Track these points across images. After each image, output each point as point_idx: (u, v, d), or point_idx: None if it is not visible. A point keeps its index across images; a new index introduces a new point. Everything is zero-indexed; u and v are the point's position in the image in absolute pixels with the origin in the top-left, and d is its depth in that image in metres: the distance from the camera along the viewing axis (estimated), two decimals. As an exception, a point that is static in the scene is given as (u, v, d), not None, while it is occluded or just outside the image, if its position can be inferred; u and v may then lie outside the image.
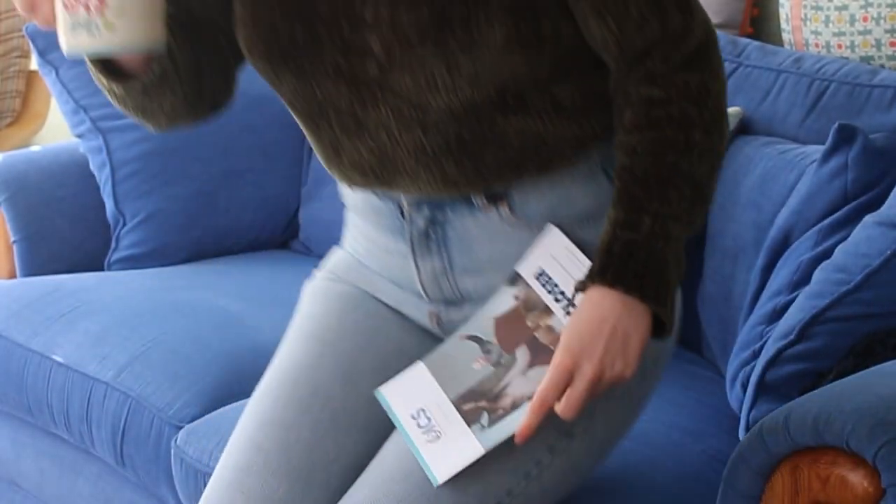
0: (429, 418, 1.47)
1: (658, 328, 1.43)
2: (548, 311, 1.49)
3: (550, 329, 1.48)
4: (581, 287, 1.43)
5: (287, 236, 2.79)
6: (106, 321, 2.29)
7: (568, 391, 1.39)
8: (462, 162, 1.46)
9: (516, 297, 1.52)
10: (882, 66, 2.19)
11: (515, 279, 1.53)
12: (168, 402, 2.11)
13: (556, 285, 1.49)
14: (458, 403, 1.49)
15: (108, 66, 1.44)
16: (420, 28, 1.37)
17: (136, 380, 2.16)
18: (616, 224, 1.41)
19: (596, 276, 1.41)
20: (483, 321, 1.54)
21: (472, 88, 1.39)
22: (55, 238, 2.63)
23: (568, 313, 1.46)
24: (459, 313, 1.57)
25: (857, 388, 1.49)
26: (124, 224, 2.62)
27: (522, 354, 1.49)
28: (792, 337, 1.68)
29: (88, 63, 1.45)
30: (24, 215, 2.61)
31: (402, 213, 1.54)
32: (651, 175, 1.40)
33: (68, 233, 2.64)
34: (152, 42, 1.34)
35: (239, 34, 1.48)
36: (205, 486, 1.95)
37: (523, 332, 1.50)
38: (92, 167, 2.66)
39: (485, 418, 1.47)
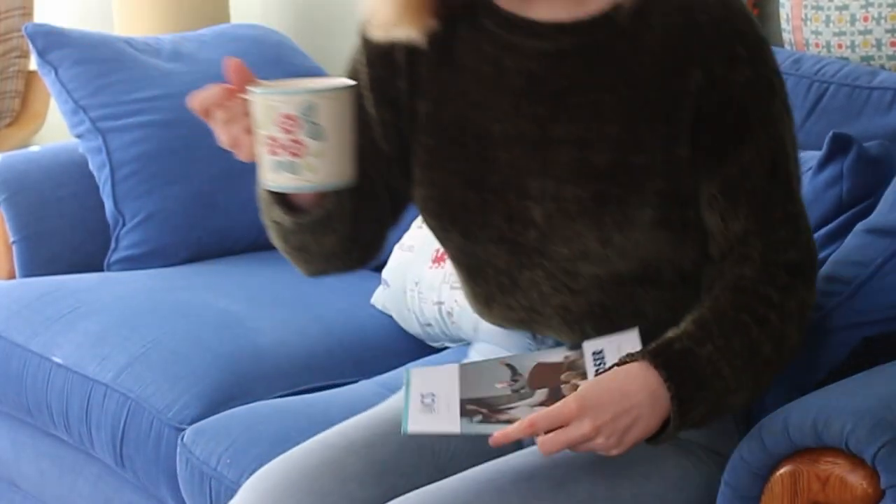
0: (433, 401, 1.50)
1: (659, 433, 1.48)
2: (584, 376, 1.53)
3: (576, 387, 1.50)
4: (628, 359, 1.48)
5: (287, 236, 2.78)
6: (105, 322, 2.29)
7: (558, 432, 1.42)
8: (601, 327, 1.57)
9: (566, 357, 1.58)
10: (882, 66, 2.19)
11: (576, 347, 1.59)
12: (168, 404, 2.11)
13: (605, 364, 1.53)
14: (463, 402, 1.51)
15: (285, 201, 1.53)
16: (580, 204, 1.50)
17: (136, 381, 2.16)
18: (685, 333, 1.48)
19: (647, 354, 1.46)
20: (527, 360, 1.59)
21: (621, 261, 1.52)
22: (54, 238, 2.63)
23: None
24: None
25: (856, 389, 1.49)
26: (124, 224, 2.62)
27: (541, 394, 1.52)
28: None
29: (264, 197, 1.54)
30: (23, 215, 2.61)
31: (534, 338, 1.66)
32: (726, 321, 1.48)
33: (68, 233, 2.64)
34: (346, 179, 1.44)
35: (416, 193, 1.61)
36: (210, 488, 1.96)
37: (553, 380, 1.54)
38: (91, 167, 2.65)
39: (477, 418, 1.49)
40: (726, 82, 1.47)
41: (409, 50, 1.58)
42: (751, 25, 1.50)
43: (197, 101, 1.46)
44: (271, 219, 1.57)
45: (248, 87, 1.42)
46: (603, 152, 1.50)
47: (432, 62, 1.58)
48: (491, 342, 1.72)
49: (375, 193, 1.62)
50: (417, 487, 1.53)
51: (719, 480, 1.55)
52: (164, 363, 2.17)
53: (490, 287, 1.62)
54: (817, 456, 1.43)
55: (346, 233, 1.58)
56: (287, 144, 1.39)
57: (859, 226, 1.69)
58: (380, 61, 1.60)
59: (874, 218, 1.66)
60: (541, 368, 1.56)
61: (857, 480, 1.40)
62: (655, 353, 1.46)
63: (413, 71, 1.59)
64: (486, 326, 1.72)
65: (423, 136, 1.59)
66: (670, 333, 1.49)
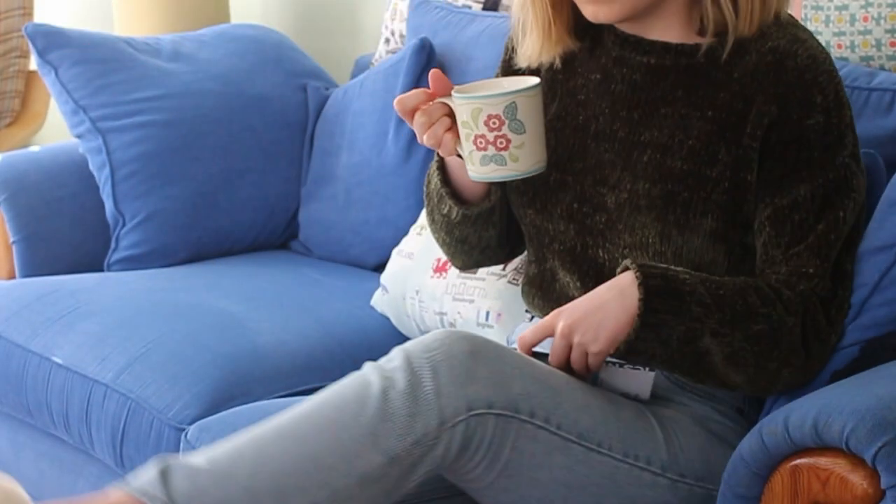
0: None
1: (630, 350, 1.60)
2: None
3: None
4: (623, 268, 1.61)
5: (287, 237, 2.79)
6: (106, 322, 2.29)
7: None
8: None
9: None
10: (882, 67, 2.19)
11: None
12: (168, 404, 2.11)
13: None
14: None
15: (455, 195, 1.74)
16: (651, 199, 1.65)
17: (136, 381, 2.16)
18: (680, 271, 1.61)
19: (631, 262, 1.60)
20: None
21: (675, 261, 1.65)
22: (55, 238, 2.63)
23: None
24: None
25: (856, 390, 1.49)
26: (124, 224, 2.62)
27: None
28: None
29: (435, 192, 1.76)
30: (23, 216, 2.61)
31: None
32: (728, 281, 1.61)
33: (68, 233, 2.64)
34: (542, 164, 1.63)
35: None
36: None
37: None
38: (91, 167, 2.66)
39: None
40: (798, 123, 1.62)
41: None
42: (832, 80, 1.64)
43: (400, 102, 1.65)
44: (441, 213, 1.77)
45: (453, 93, 1.60)
46: (680, 160, 1.65)
47: (557, 68, 1.77)
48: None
49: None
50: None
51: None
52: (164, 363, 2.17)
53: (554, 262, 1.76)
54: (817, 456, 1.44)
55: (503, 228, 1.79)
56: (493, 140, 1.59)
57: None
58: (512, 71, 1.81)
59: (867, 239, 1.68)
60: None
61: (857, 480, 1.40)
62: (638, 263, 1.60)
63: (539, 73, 1.76)
64: (520, 328, 1.83)
65: None
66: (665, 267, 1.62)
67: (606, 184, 1.69)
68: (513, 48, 1.79)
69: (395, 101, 1.65)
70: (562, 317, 1.60)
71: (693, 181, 1.64)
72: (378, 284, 2.38)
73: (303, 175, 2.76)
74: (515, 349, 1.63)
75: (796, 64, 1.63)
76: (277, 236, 2.78)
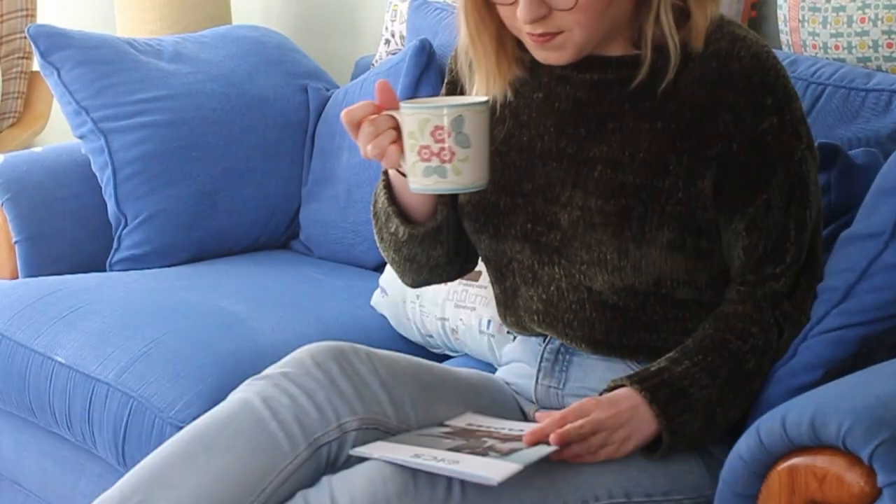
0: (434, 457, 1.55)
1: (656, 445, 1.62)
2: (491, 433, 1.64)
3: (508, 434, 1.62)
4: (613, 385, 1.62)
5: (288, 237, 2.79)
6: (107, 321, 2.30)
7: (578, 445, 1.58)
8: (611, 331, 1.69)
9: (452, 428, 1.68)
10: (879, 68, 2.19)
11: (443, 425, 1.69)
12: (170, 403, 2.11)
13: (488, 427, 1.66)
14: (452, 450, 1.57)
15: (402, 214, 1.74)
16: (605, 216, 1.64)
17: (138, 380, 2.17)
18: (664, 359, 1.64)
19: (626, 378, 1.61)
20: (433, 431, 1.66)
21: (635, 275, 1.65)
22: (57, 238, 2.64)
23: (513, 431, 1.63)
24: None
25: (853, 388, 1.49)
26: (126, 224, 2.63)
27: (490, 439, 1.61)
28: (786, 355, 1.69)
29: (383, 211, 1.75)
30: (26, 216, 2.62)
31: (544, 338, 1.78)
32: (706, 339, 1.64)
33: (70, 233, 2.65)
34: (484, 181, 1.62)
35: (460, 198, 1.76)
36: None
37: (480, 435, 1.64)
38: (94, 168, 2.66)
39: (493, 455, 1.55)
40: (753, 128, 1.61)
41: None
42: (779, 77, 1.63)
43: (347, 114, 1.63)
44: (388, 231, 1.76)
45: (402, 104, 1.61)
46: (631, 173, 1.64)
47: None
48: (511, 360, 1.84)
49: None
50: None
51: (710, 478, 1.60)
52: (165, 362, 2.17)
53: (515, 279, 1.75)
54: (814, 454, 1.44)
55: (451, 246, 1.78)
56: (438, 151, 1.59)
57: (843, 234, 1.70)
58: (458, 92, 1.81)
59: (855, 225, 1.68)
60: (452, 433, 1.65)
61: (854, 479, 1.41)
62: (633, 377, 1.61)
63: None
64: (507, 349, 1.87)
65: None
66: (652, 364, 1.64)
67: (558, 202, 1.68)
68: (456, 71, 1.77)
69: (342, 113, 1.64)
70: (595, 419, 1.59)
71: (646, 194, 1.63)
72: (378, 284, 2.38)
73: (303, 175, 2.77)
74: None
75: (741, 67, 1.61)
76: (278, 236, 2.78)
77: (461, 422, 1.69)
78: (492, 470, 1.49)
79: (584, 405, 1.59)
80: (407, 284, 1.86)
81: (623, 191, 1.64)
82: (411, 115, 1.60)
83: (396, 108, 1.61)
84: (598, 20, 1.59)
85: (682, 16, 1.63)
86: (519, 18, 1.59)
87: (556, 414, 1.59)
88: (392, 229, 1.75)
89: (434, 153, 1.59)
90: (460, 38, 1.70)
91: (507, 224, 1.72)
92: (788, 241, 1.64)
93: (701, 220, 1.64)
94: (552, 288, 1.71)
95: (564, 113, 1.70)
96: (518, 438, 1.59)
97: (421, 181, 1.61)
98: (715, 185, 1.63)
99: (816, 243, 1.69)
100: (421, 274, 1.82)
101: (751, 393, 1.64)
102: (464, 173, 1.60)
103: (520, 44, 1.68)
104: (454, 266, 1.83)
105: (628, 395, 1.60)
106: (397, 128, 1.62)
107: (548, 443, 1.56)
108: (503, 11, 1.63)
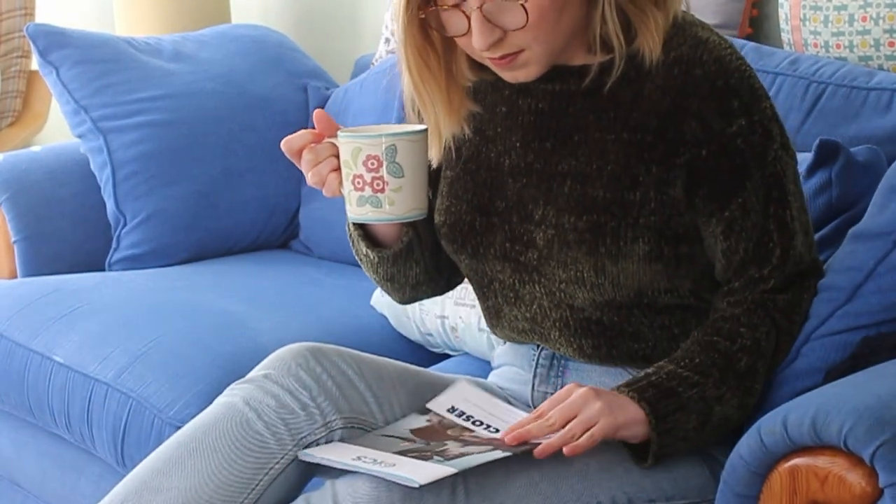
0: (374, 459, 1.54)
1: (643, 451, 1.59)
2: (466, 429, 1.61)
3: (476, 435, 1.59)
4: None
5: (287, 236, 2.79)
6: (107, 321, 2.30)
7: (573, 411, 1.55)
8: (599, 345, 1.68)
9: (429, 420, 1.65)
10: (881, 67, 2.19)
11: (425, 411, 1.67)
12: (169, 403, 2.11)
13: (470, 416, 1.64)
14: (398, 453, 1.56)
15: (369, 237, 1.73)
16: (578, 233, 1.62)
17: (137, 380, 2.17)
18: (651, 367, 1.62)
19: (617, 388, 1.58)
20: (399, 430, 1.64)
21: (615, 289, 1.63)
22: (56, 238, 2.63)
23: (490, 430, 1.60)
24: None
25: (854, 388, 1.49)
26: (125, 224, 2.63)
27: (452, 442, 1.59)
28: (788, 357, 1.69)
29: (352, 234, 1.75)
30: (24, 215, 2.61)
31: (537, 344, 1.76)
32: (693, 344, 1.62)
33: (69, 233, 2.65)
34: (419, 212, 1.61)
35: (436, 218, 1.75)
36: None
37: (445, 436, 1.61)
38: (93, 167, 2.66)
39: (436, 459, 1.53)
40: (722, 133, 1.58)
41: None
42: (743, 78, 1.60)
43: (287, 143, 1.64)
44: (361, 253, 1.76)
45: (338, 132, 1.60)
46: (601, 188, 1.62)
47: None
48: (504, 364, 1.82)
49: None
50: None
51: (713, 481, 1.58)
52: (164, 362, 2.17)
53: (497, 299, 1.73)
54: (816, 454, 1.43)
55: (429, 263, 1.77)
56: (370, 181, 1.58)
57: (850, 232, 1.69)
58: None
59: (864, 223, 1.67)
60: (420, 433, 1.63)
61: (855, 479, 1.40)
62: (620, 385, 1.59)
63: None
64: (499, 351, 1.85)
65: (447, 170, 1.74)
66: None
67: (532, 220, 1.66)
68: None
69: (283, 143, 1.64)
70: (600, 399, 1.55)
71: (618, 209, 1.60)
72: (378, 284, 2.38)
73: (303, 175, 2.76)
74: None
75: (704, 72, 1.58)
76: (278, 236, 2.78)
77: (443, 406, 1.67)
78: (421, 473, 1.48)
79: (562, 392, 1.57)
80: (397, 302, 1.85)
81: (594, 206, 1.61)
82: (345, 143, 1.59)
83: (335, 135, 1.61)
84: (552, 32, 1.57)
85: (642, 16, 1.59)
86: (475, 47, 1.57)
87: (535, 411, 1.57)
88: (363, 252, 1.75)
89: (367, 182, 1.58)
90: (405, 86, 1.66)
91: (485, 244, 1.70)
92: (771, 242, 1.61)
93: (678, 226, 1.61)
94: (535, 306, 1.69)
95: (529, 126, 1.67)
96: (489, 441, 1.57)
97: (356, 210, 1.60)
98: (687, 191, 1.60)
99: (807, 241, 1.66)
100: (405, 291, 1.80)
101: (748, 392, 1.61)
102: (397, 203, 1.58)
103: (473, 67, 1.66)
104: (437, 283, 1.81)
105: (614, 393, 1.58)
106: (338, 156, 1.61)
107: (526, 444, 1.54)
108: (462, 42, 1.60)
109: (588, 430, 1.53)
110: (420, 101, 1.65)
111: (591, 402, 1.54)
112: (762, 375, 1.62)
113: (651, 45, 1.58)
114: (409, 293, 1.81)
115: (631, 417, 1.55)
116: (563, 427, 1.53)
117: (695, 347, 1.61)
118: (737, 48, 1.63)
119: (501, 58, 1.58)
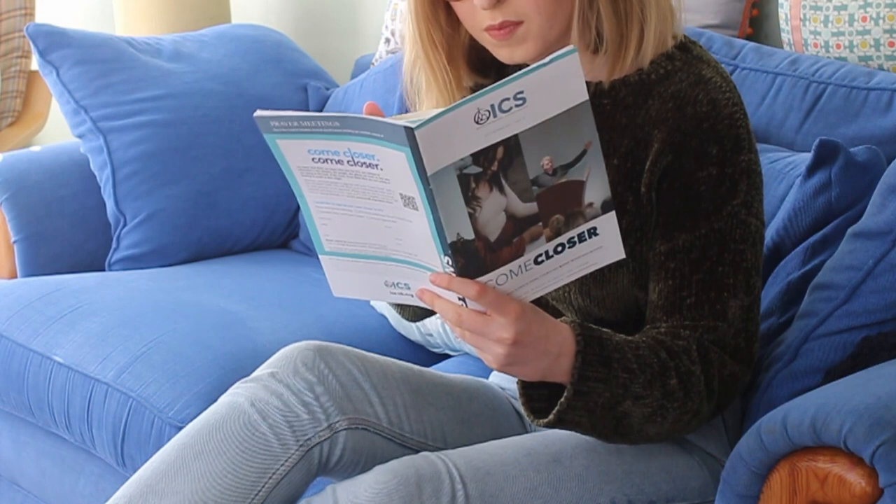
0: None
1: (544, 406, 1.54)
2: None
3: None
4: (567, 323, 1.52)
5: (287, 236, 2.79)
6: (107, 321, 2.30)
7: (484, 317, 1.43)
8: None
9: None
10: (881, 67, 2.19)
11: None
12: (169, 403, 2.11)
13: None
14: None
15: None
16: None
17: (137, 380, 2.17)
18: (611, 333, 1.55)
19: (573, 322, 1.51)
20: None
21: (601, 310, 1.66)
22: (56, 238, 2.63)
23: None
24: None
25: (854, 388, 1.49)
26: (125, 224, 2.63)
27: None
28: (786, 357, 1.69)
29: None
30: (24, 215, 2.61)
31: None
32: (644, 340, 1.55)
33: (69, 233, 2.65)
34: None
35: None
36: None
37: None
38: (93, 167, 2.66)
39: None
40: (690, 174, 1.57)
41: None
42: (732, 125, 1.58)
43: None
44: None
45: None
46: None
47: None
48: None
49: None
50: None
51: (713, 482, 1.58)
52: (165, 362, 2.17)
53: None
54: (816, 454, 1.44)
55: None
56: None
57: (850, 231, 1.69)
58: None
59: (863, 222, 1.67)
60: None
61: (855, 479, 1.41)
62: (580, 325, 1.50)
63: None
64: None
65: None
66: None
67: None
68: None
69: None
70: (518, 327, 1.44)
71: None
72: (378, 284, 2.38)
73: (303, 175, 2.77)
74: None
75: (695, 111, 1.57)
76: (278, 236, 2.78)
77: None
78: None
79: (513, 309, 1.44)
80: (407, 320, 1.81)
81: None
82: None
83: None
84: (555, 3, 1.56)
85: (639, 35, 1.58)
86: (476, 4, 1.55)
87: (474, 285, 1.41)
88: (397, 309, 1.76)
89: None
90: (406, 59, 1.66)
91: None
92: (689, 296, 1.57)
93: None
94: None
95: None
96: None
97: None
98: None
99: (744, 306, 1.58)
100: (412, 309, 1.76)
101: (662, 411, 1.54)
102: None
103: (473, 56, 1.65)
104: None
105: (564, 330, 1.50)
106: None
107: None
108: (461, 9, 1.59)
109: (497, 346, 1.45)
110: (429, 70, 1.65)
111: (520, 345, 1.44)
112: (676, 410, 1.55)
113: (641, 56, 1.58)
114: (420, 312, 1.77)
115: (553, 349, 1.48)
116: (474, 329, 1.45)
117: (643, 342, 1.55)
118: (737, 91, 1.62)
119: (500, 28, 1.57)
